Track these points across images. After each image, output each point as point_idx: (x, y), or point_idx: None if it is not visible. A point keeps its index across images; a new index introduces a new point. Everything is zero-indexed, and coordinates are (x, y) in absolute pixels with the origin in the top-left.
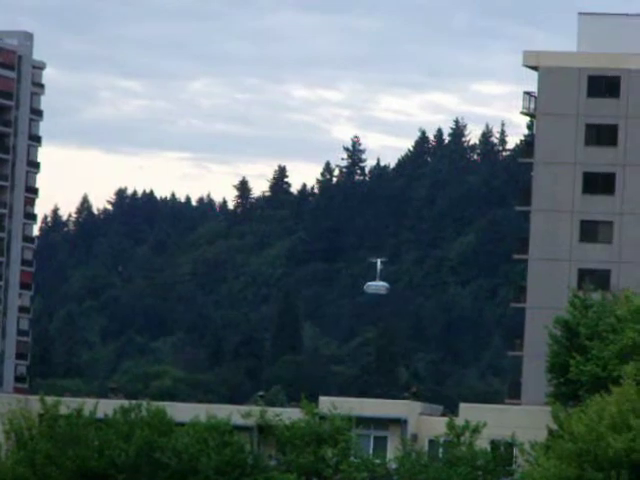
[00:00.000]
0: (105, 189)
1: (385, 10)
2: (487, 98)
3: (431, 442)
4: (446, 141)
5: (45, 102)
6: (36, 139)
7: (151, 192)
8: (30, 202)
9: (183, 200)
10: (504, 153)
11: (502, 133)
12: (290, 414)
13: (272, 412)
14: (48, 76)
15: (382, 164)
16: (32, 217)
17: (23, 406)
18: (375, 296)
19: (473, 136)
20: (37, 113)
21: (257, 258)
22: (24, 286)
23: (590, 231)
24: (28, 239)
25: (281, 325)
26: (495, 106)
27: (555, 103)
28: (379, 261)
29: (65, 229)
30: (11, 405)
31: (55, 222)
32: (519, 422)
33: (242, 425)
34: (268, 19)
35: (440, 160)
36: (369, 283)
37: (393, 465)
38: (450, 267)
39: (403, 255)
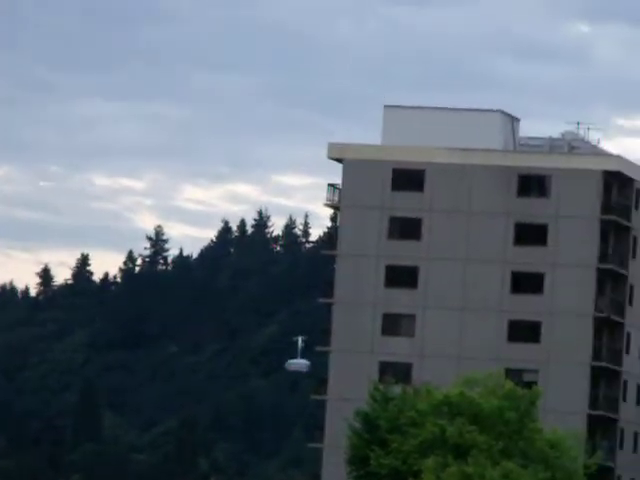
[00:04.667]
0: None
1: (191, 99)
2: (291, 189)
3: None
4: (249, 232)
5: None
6: None
7: None
8: None
9: None
10: (307, 245)
11: (305, 225)
12: None
13: None
14: None
15: (185, 254)
16: None
17: None
18: (177, 386)
19: (276, 227)
20: None
21: (59, 346)
22: None
23: (392, 324)
24: None
25: (81, 413)
26: (299, 198)
27: (359, 196)
28: (300, 339)
29: None
30: None
31: None
32: None
33: None
34: (72, 106)
35: (243, 251)
36: (290, 361)
37: None
38: (251, 358)
39: (205, 345)
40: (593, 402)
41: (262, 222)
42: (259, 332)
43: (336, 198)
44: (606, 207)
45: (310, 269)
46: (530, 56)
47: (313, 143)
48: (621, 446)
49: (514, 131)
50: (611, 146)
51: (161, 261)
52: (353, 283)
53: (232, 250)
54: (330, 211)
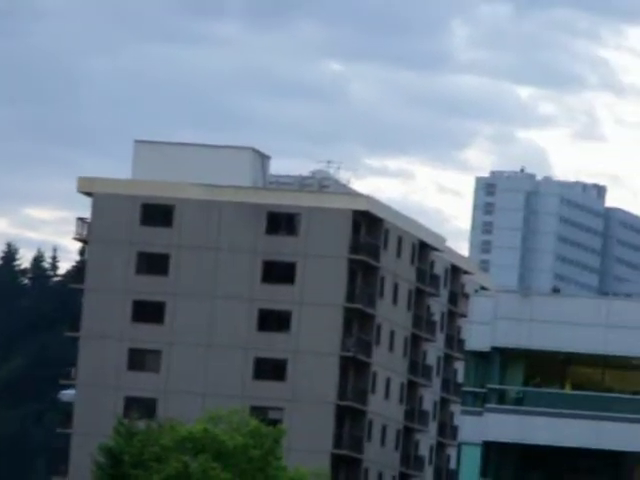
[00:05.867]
0: None
1: None
2: (40, 223)
3: None
4: None
5: None
6: None
7: None
8: None
9: None
10: (55, 278)
11: (54, 258)
12: None
13: None
14: None
15: None
16: None
17: None
18: None
19: (25, 260)
20: None
21: None
22: None
23: (138, 359)
24: None
25: None
26: (48, 231)
27: (108, 230)
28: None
29: None
30: None
31: None
32: None
33: None
34: None
35: None
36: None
37: None
38: None
39: None
40: (338, 441)
41: (10, 255)
42: (5, 365)
43: (85, 232)
44: (355, 246)
45: (58, 303)
46: (283, 94)
47: (64, 176)
48: None
49: (264, 168)
50: (361, 186)
51: None
52: (100, 317)
53: None
54: (79, 245)
